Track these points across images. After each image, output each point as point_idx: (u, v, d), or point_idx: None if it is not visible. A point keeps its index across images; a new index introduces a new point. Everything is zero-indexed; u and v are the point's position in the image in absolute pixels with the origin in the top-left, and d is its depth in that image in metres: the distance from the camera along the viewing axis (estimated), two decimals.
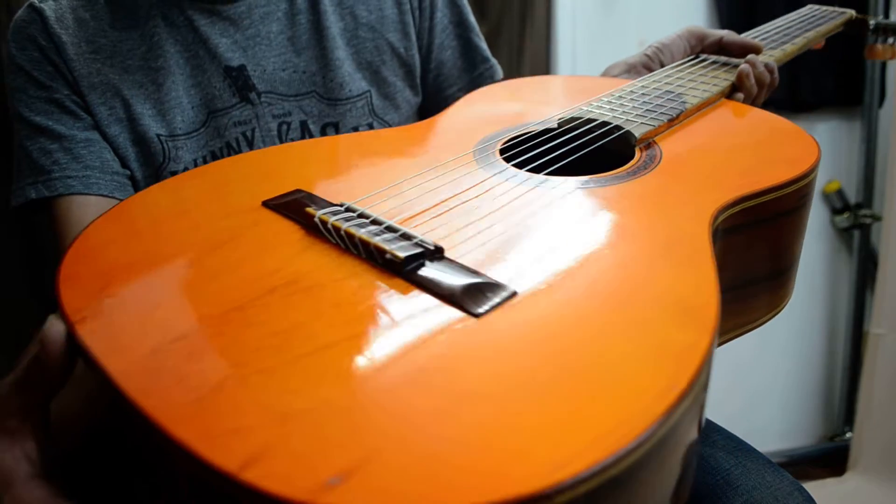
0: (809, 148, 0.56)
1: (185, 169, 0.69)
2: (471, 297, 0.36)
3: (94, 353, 0.33)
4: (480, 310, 0.35)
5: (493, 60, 0.82)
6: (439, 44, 0.78)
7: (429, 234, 0.43)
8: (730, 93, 0.71)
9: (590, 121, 0.60)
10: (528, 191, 0.49)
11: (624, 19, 1.63)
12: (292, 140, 0.72)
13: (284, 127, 0.72)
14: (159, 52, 0.68)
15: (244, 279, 0.39)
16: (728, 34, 0.78)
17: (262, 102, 0.71)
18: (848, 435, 1.82)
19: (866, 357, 1.66)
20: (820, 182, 1.83)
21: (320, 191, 0.49)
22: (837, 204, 1.83)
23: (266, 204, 0.47)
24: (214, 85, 0.69)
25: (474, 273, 0.38)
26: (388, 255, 0.39)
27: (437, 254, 0.40)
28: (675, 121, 0.61)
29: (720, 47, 0.78)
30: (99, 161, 0.67)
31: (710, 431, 0.58)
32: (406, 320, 0.35)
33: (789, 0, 1.62)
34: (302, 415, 0.29)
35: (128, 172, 0.69)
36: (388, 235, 0.41)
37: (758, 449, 0.59)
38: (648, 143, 0.58)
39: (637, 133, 0.58)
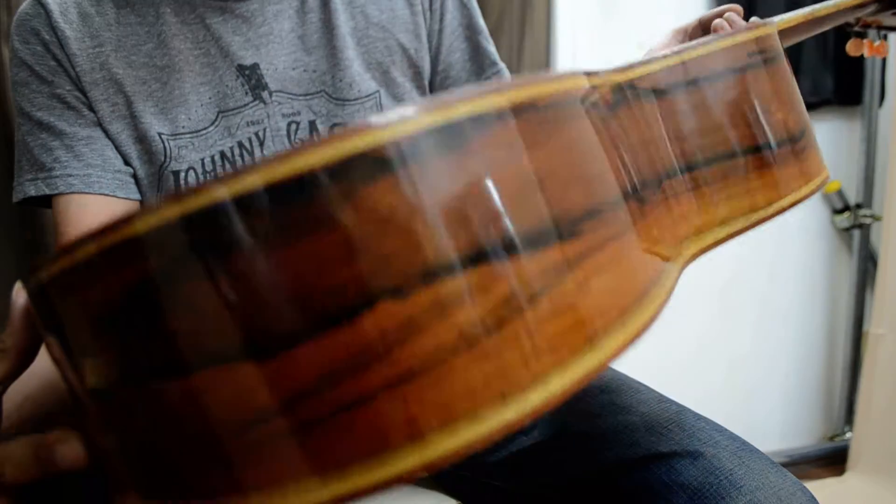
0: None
1: (190, 168, 0.69)
2: None
3: None
4: None
5: (502, 64, 0.82)
6: (448, 46, 0.78)
7: None
8: None
9: None
10: None
11: (623, 20, 1.63)
12: (301, 140, 0.72)
13: (294, 126, 0.71)
14: (166, 49, 0.67)
15: None
16: (703, 15, 0.77)
17: (273, 101, 0.70)
18: (848, 435, 1.82)
19: (866, 357, 1.66)
20: None
21: None
22: (837, 204, 1.83)
23: None
24: (226, 83, 0.69)
25: None
26: None
27: None
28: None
29: (703, 29, 0.77)
30: (100, 159, 0.67)
31: (712, 431, 0.58)
32: None
33: (789, 1, 1.63)
34: None
35: (130, 170, 0.69)
36: None
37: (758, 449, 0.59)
38: None
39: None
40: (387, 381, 0.23)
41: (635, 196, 0.37)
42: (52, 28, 0.66)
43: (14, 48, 0.67)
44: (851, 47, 0.86)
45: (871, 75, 1.74)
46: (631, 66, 0.44)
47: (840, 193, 1.82)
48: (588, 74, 0.37)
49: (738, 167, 0.48)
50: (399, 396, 0.23)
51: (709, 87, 0.48)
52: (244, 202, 0.23)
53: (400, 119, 0.24)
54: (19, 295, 0.32)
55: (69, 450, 0.30)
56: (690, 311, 1.76)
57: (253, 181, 0.23)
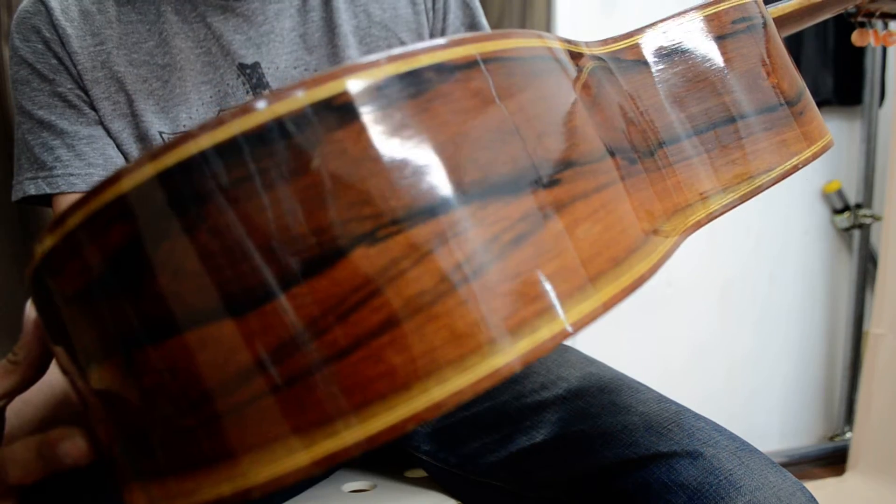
0: None
1: None
2: None
3: None
4: None
5: None
6: None
7: None
8: None
9: None
10: None
11: (624, 19, 1.63)
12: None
13: None
14: (167, 48, 0.67)
15: None
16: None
17: None
18: (848, 435, 1.82)
19: (866, 357, 1.66)
20: (820, 182, 1.84)
21: None
22: (837, 204, 1.83)
23: None
24: (227, 82, 0.69)
25: None
26: None
27: None
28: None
29: None
30: (102, 158, 0.67)
31: (712, 431, 0.58)
32: None
33: None
34: None
35: None
36: None
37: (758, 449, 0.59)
38: None
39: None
40: (368, 330, 0.23)
41: (623, 156, 0.36)
42: (53, 26, 0.65)
43: (14, 46, 0.67)
44: (857, 37, 0.85)
45: (871, 75, 1.74)
46: (614, 39, 0.45)
47: (840, 193, 1.82)
48: (566, 42, 0.37)
49: (735, 133, 0.49)
50: (382, 346, 0.23)
51: (694, 56, 0.49)
52: (215, 154, 0.23)
53: (365, 65, 0.24)
54: (31, 309, 0.32)
55: (73, 446, 0.30)
56: (691, 311, 1.76)
57: (224, 132, 0.23)
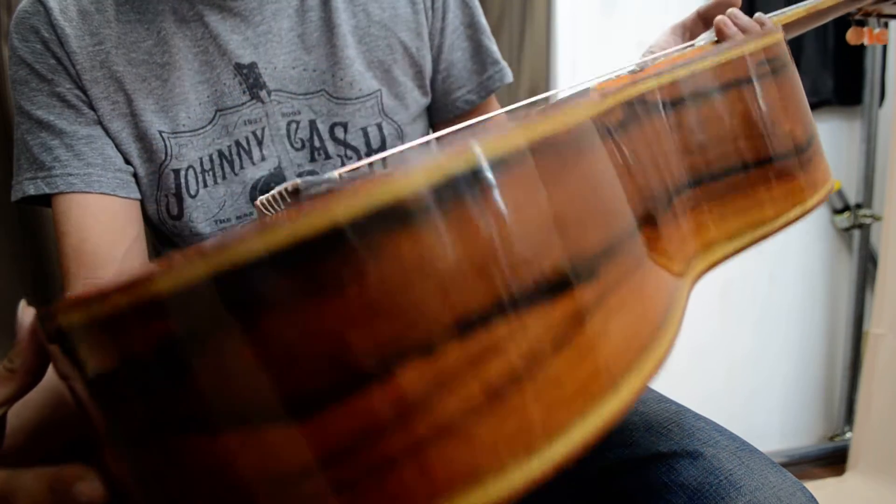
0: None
1: (189, 167, 0.69)
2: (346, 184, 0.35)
3: None
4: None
5: (504, 63, 0.81)
6: (450, 45, 0.78)
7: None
8: None
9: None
10: None
11: (624, 19, 1.63)
12: (301, 139, 0.72)
13: (293, 126, 0.71)
14: (166, 47, 0.67)
15: None
16: (701, 6, 0.76)
17: (272, 101, 0.70)
18: (848, 435, 1.82)
19: (866, 357, 1.66)
20: None
21: None
22: (837, 204, 1.83)
23: None
24: (224, 82, 0.69)
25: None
26: (290, 187, 0.39)
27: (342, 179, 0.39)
28: (637, 73, 0.59)
29: (703, 22, 0.76)
30: (101, 158, 0.67)
31: (712, 431, 0.58)
32: None
33: (789, 0, 1.63)
34: None
35: (131, 169, 0.69)
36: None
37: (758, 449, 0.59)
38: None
39: (593, 87, 0.54)
40: (417, 440, 0.23)
41: (648, 220, 0.36)
42: (52, 26, 0.65)
43: (13, 46, 0.67)
44: (852, 35, 0.86)
45: (871, 75, 1.74)
46: (642, 79, 0.43)
47: (840, 193, 1.82)
48: (601, 93, 0.36)
49: (746, 180, 0.48)
50: (429, 454, 0.23)
51: (718, 100, 0.47)
52: (268, 260, 0.22)
53: (423, 168, 0.23)
54: (25, 314, 0.32)
55: (88, 487, 0.29)
56: (691, 312, 1.75)
57: (277, 238, 0.22)
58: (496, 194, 0.25)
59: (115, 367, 0.25)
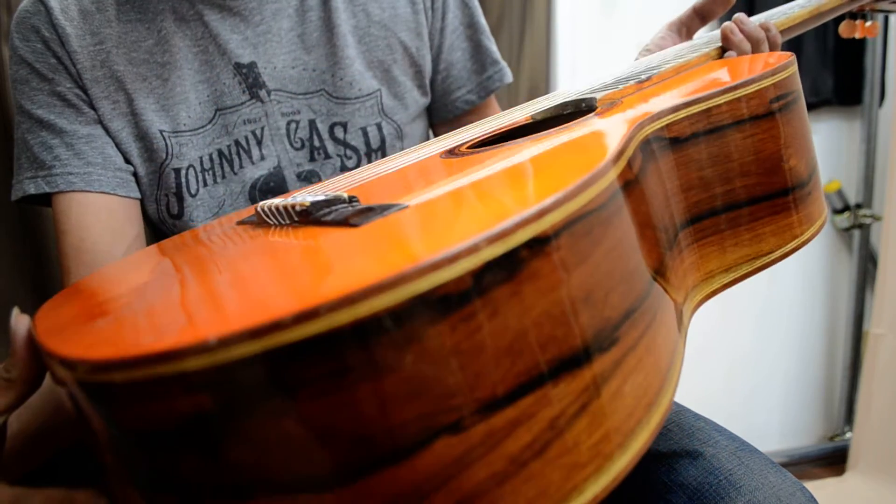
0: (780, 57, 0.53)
1: (190, 166, 0.69)
2: (358, 215, 0.35)
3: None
4: (362, 222, 0.34)
5: (503, 63, 0.81)
6: (449, 45, 0.78)
7: (344, 189, 0.46)
8: (721, 55, 0.68)
9: (564, 105, 0.58)
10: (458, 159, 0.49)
11: (624, 19, 1.63)
12: (300, 139, 0.72)
13: (293, 125, 0.71)
14: (166, 46, 0.67)
15: None
16: (697, 1, 0.74)
17: (271, 100, 0.70)
18: (848, 435, 1.82)
19: (866, 357, 1.66)
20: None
21: None
22: (837, 204, 1.83)
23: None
24: (224, 81, 0.69)
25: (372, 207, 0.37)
26: (298, 207, 0.39)
27: (351, 202, 0.39)
28: (644, 83, 0.58)
29: (699, 17, 0.76)
30: (101, 157, 0.67)
31: (712, 431, 0.58)
32: (286, 239, 0.37)
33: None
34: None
35: (131, 168, 0.69)
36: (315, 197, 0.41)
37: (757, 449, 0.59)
38: (614, 103, 0.54)
39: (599, 96, 0.55)
40: None
41: (661, 272, 0.37)
42: (53, 25, 0.65)
43: (14, 46, 0.67)
44: (844, 28, 0.86)
45: (871, 75, 1.74)
46: (658, 115, 0.44)
47: (840, 193, 1.82)
48: (624, 141, 0.36)
49: (749, 215, 0.49)
50: None
51: (728, 137, 0.48)
52: (305, 347, 0.23)
53: (465, 250, 0.24)
54: (19, 323, 0.32)
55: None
56: None
57: (315, 326, 0.22)
58: (531, 277, 0.26)
59: (147, 428, 0.25)
